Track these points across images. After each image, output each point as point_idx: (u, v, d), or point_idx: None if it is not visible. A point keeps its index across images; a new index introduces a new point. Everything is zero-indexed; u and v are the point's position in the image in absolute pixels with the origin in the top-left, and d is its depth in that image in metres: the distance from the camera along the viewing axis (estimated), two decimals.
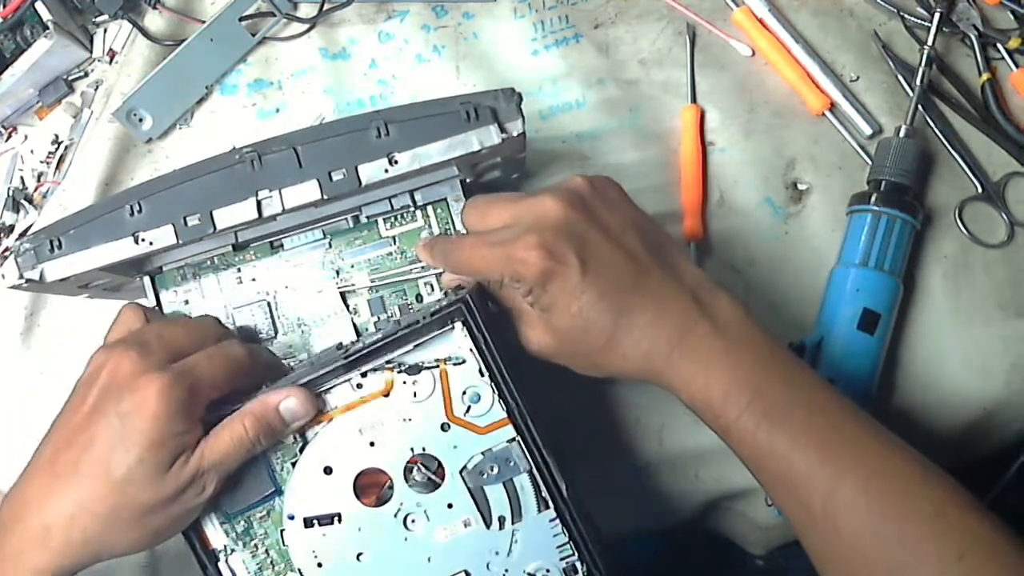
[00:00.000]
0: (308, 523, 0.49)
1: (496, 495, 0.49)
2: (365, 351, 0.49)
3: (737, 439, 0.47)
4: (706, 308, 0.47)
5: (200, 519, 0.49)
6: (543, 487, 0.49)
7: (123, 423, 0.45)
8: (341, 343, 0.55)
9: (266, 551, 0.50)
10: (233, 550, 0.50)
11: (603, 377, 0.50)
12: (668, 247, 0.50)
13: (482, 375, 0.49)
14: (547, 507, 0.49)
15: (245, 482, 0.50)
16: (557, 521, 0.49)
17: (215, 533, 0.50)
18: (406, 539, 0.49)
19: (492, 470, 0.49)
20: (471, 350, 0.49)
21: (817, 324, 0.63)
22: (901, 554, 0.42)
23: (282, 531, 0.50)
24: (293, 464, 0.50)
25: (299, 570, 0.49)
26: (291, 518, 0.49)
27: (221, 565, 0.50)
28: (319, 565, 0.49)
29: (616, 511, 0.65)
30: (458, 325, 0.49)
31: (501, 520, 0.49)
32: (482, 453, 0.49)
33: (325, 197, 0.50)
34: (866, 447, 0.45)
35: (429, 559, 0.49)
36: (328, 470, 0.49)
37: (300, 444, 0.50)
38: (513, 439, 0.49)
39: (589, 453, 0.63)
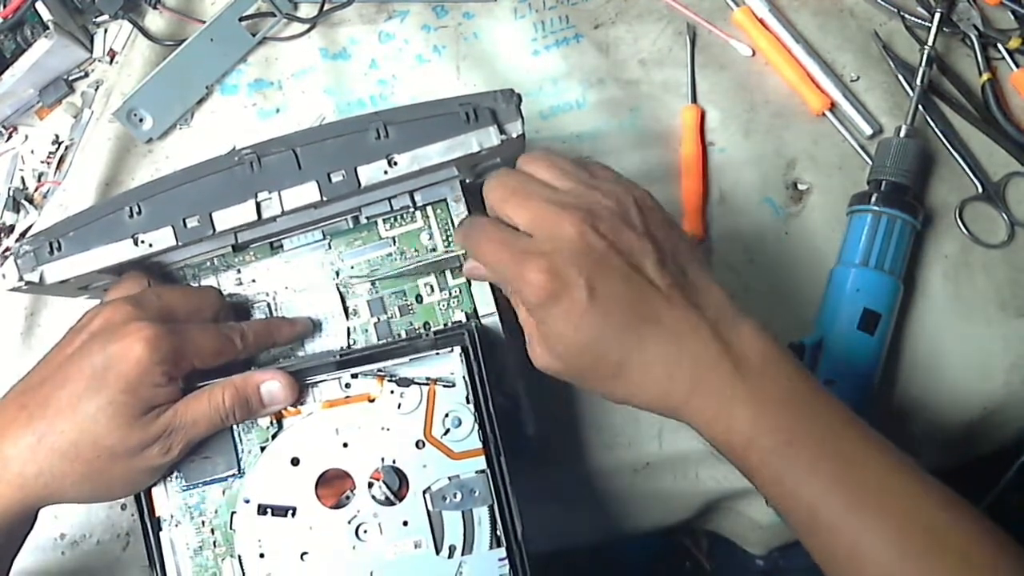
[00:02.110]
0: (262, 510, 0.50)
1: (452, 523, 0.49)
2: (362, 354, 0.50)
3: (760, 483, 0.45)
4: (728, 344, 0.44)
5: (154, 483, 0.50)
6: (499, 525, 0.49)
7: (105, 364, 0.46)
8: (335, 350, 0.55)
9: (211, 530, 0.50)
10: (179, 523, 0.50)
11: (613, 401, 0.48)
12: (692, 268, 0.47)
13: (468, 402, 0.50)
14: (499, 545, 0.49)
15: (210, 456, 0.50)
16: (506, 562, 0.49)
17: (165, 501, 0.50)
18: (354, 548, 0.49)
19: (455, 497, 0.49)
20: (464, 376, 0.50)
21: (817, 324, 0.63)
22: None
23: (233, 513, 0.50)
24: (262, 448, 0.50)
25: (239, 557, 0.50)
26: (246, 502, 0.50)
27: (163, 535, 0.50)
28: (261, 555, 0.49)
29: (616, 511, 0.65)
30: (457, 349, 0.50)
31: (451, 549, 0.49)
32: (449, 478, 0.49)
33: (324, 199, 0.50)
34: (895, 494, 0.43)
35: (372, 573, 0.49)
36: (295, 461, 0.50)
37: (275, 430, 0.50)
38: (483, 471, 0.49)
39: (589, 453, 0.64)
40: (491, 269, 0.49)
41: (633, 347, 0.44)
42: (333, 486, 0.50)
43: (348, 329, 0.55)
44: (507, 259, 0.46)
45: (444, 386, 0.50)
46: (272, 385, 0.49)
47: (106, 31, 0.73)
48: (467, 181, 0.55)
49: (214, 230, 0.50)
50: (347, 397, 0.51)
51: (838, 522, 0.43)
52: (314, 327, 0.55)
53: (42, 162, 0.71)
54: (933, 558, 0.42)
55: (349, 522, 0.49)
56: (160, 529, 0.50)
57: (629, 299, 0.44)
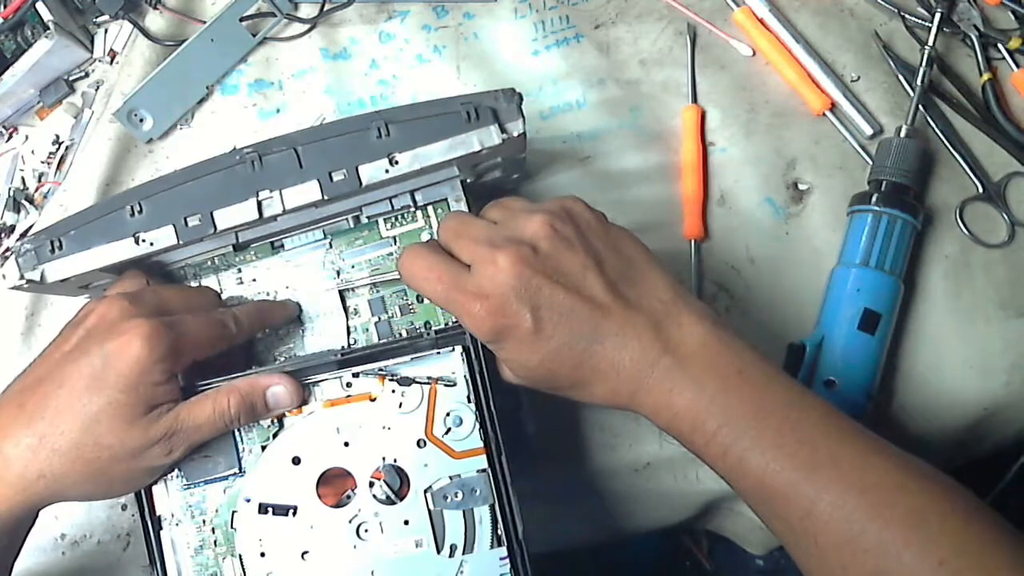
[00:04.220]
0: (263, 509, 0.50)
1: (453, 522, 0.49)
2: (363, 353, 0.50)
3: (711, 463, 0.47)
4: (669, 339, 0.47)
5: (154, 482, 0.50)
6: (500, 524, 0.49)
7: (103, 363, 0.46)
8: (336, 349, 0.55)
9: (212, 530, 0.50)
10: (179, 521, 0.50)
11: None
12: (634, 264, 0.49)
13: (469, 401, 0.50)
14: (500, 545, 0.49)
15: (211, 455, 0.50)
16: (507, 561, 0.49)
17: (166, 500, 0.50)
18: (355, 547, 0.49)
19: (456, 496, 0.49)
20: (465, 376, 0.50)
21: (818, 324, 0.63)
22: (881, 565, 0.42)
23: (234, 512, 0.50)
24: (263, 448, 0.50)
25: (240, 556, 0.49)
26: (247, 501, 0.50)
27: (164, 534, 0.50)
28: (262, 555, 0.49)
29: (616, 511, 0.65)
30: (458, 349, 0.50)
31: (452, 548, 0.49)
32: (450, 477, 0.49)
33: (325, 197, 0.50)
34: (843, 461, 0.44)
35: (372, 572, 0.49)
36: (296, 460, 0.50)
37: (276, 429, 0.51)
38: (484, 470, 0.49)
39: (589, 453, 0.64)
40: (435, 305, 0.52)
41: (582, 360, 0.47)
42: (334, 485, 0.50)
43: (348, 328, 0.55)
44: (451, 298, 0.48)
45: (445, 385, 0.50)
46: (277, 389, 0.50)
47: (106, 31, 0.73)
48: (468, 181, 0.55)
49: (215, 229, 0.50)
50: (348, 396, 0.51)
51: (786, 493, 0.44)
52: (303, 313, 0.55)
53: (42, 162, 0.71)
54: (884, 518, 0.42)
55: (350, 521, 0.49)
56: (160, 528, 0.50)
57: (571, 319, 0.47)
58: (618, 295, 0.47)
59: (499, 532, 0.49)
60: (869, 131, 0.68)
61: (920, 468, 0.45)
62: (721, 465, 0.46)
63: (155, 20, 0.71)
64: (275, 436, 0.51)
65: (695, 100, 0.69)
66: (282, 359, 0.55)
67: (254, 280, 0.56)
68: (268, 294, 0.56)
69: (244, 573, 0.49)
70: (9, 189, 0.70)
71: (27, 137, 0.72)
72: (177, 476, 0.50)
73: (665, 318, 0.47)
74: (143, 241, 0.50)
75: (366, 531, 0.49)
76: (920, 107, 0.67)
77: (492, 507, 0.49)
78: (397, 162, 0.50)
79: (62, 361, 0.47)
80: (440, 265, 0.49)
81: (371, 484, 0.50)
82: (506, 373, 0.50)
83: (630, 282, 0.48)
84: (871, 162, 0.66)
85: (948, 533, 0.42)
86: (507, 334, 0.47)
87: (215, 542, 0.50)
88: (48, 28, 0.67)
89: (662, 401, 0.46)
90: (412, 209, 0.55)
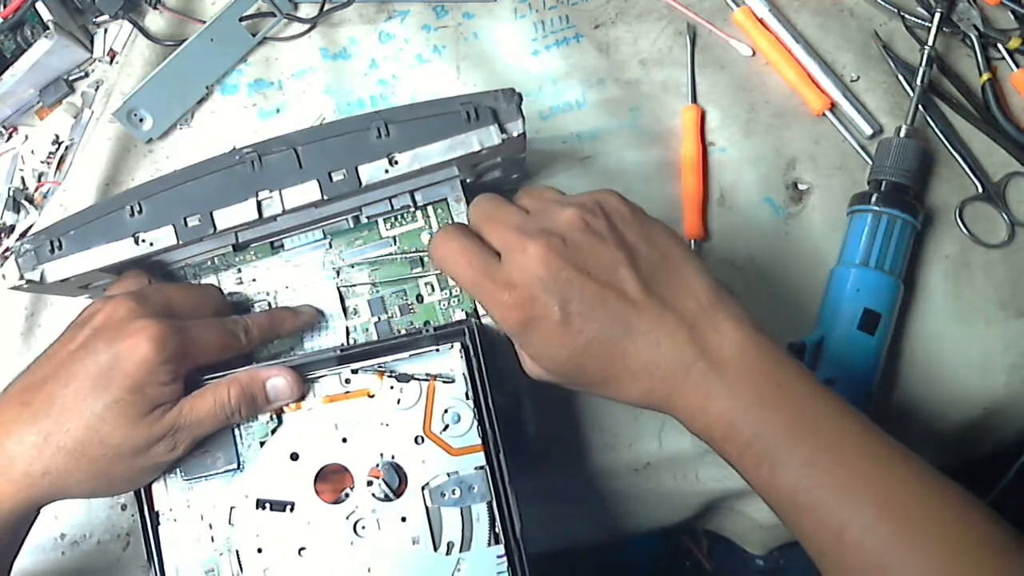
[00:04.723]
0: (260, 505, 0.50)
1: (450, 519, 0.49)
2: (362, 349, 0.50)
3: (742, 473, 0.46)
4: (705, 343, 0.45)
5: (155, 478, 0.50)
6: (498, 521, 0.49)
7: (112, 362, 0.46)
8: (335, 346, 0.55)
9: (210, 525, 0.50)
10: (177, 517, 0.50)
11: None
12: (669, 266, 0.48)
13: (467, 398, 0.50)
14: (497, 543, 0.49)
15: (210, 451, 0.50)
16: (504, 560, 0.49)
17: (164, 495, 0.50)
18: (352, 543, 0.49)
19: (454, 493, 0.49)
20: (463, 373, 0.50)
21: (817, 324, 0.63)
22: None
23: (232, 508, 0.50)
24: (261, 443, 0.51)
25: (237, 552, 0.49)
26: (245, 497, 0.50)
27: (162, 529, 0.50)
28: (259, 551, 0.49)
29: (616, 511, 0.65)
30: (456, 345, 0.50)
31: (449, 545, 0.49)
32: (448, 474, 0.49)
33: (325, 197, 0.50)
34: (878, 483, 0.43)
35: (369, 569, 0.49)
36: (295, 456, 0.50)
37: (274, 425, 0.51)
38: (481, 467, 0.49)
39: (589, 453, 0.64)
40: (463, 288, 0.52)
41: (613, 357, 0.46)
42: (332, 481, 0.50)
43: (347, 328, 0.55)
44: (480, 284, 0.48)
45: (444, 382, 0.50)
46: (277, 381, 0.50)
47: (106, 31, 0.73)
48: (468, 180, 0.56)
49: (215, 229, 0.50)
50: (347, 392, 0.51)
51: (817, 511, 0.43)
52: (320, 316, 0.55)
53: (42, 162, 0.71)
54: (918, 548, 0.41)
55: (347, 517, 0.49)
56: (159, 523, 0.50)
57: (602, 315, 0.46)
58: (651, 292, 0.46)
59: (496, 530, 0.49)
60: (869, 131, 0.68)
61: (958, 495, 0.43)
62: (753, 476, 0.45)
63: (155, 20, 0.71)
64: (274, 432, 0.51)
65: (695, 100, 0.69)
66: (282, 355, 0.55)
67: (254, 280, 0.56)
68: (268, 294, 0.56)
69: (241, 569, 0.49)
70: (9, 189, 0.70)
71: (27, 137, 0.72)
72: (176, 472, 0.50)
73: (701, 320, 0.46)
74: (143, 241, 0.50)
75: (363, 528, 0.49)
76: (920, 107, 0.67)
77: (490, 504, 0.49)
78: (397, 162, 0.50)
79: (68, 360, 0.47)
80: (471, 249, 0.48)
81: (369, 482, 0.49)
82: (533, 368, 0.49)
83: (665, 279, 0.47)
84: (871, 162, 0.66)
85: (983, 568, 0.41)
86: (535, 326, 0.46)
87: (212, 538, 0.50)
88: (48, 28, 0.67)
89: (696, 407, 0.45)
90: (412, 209, 0.55)
